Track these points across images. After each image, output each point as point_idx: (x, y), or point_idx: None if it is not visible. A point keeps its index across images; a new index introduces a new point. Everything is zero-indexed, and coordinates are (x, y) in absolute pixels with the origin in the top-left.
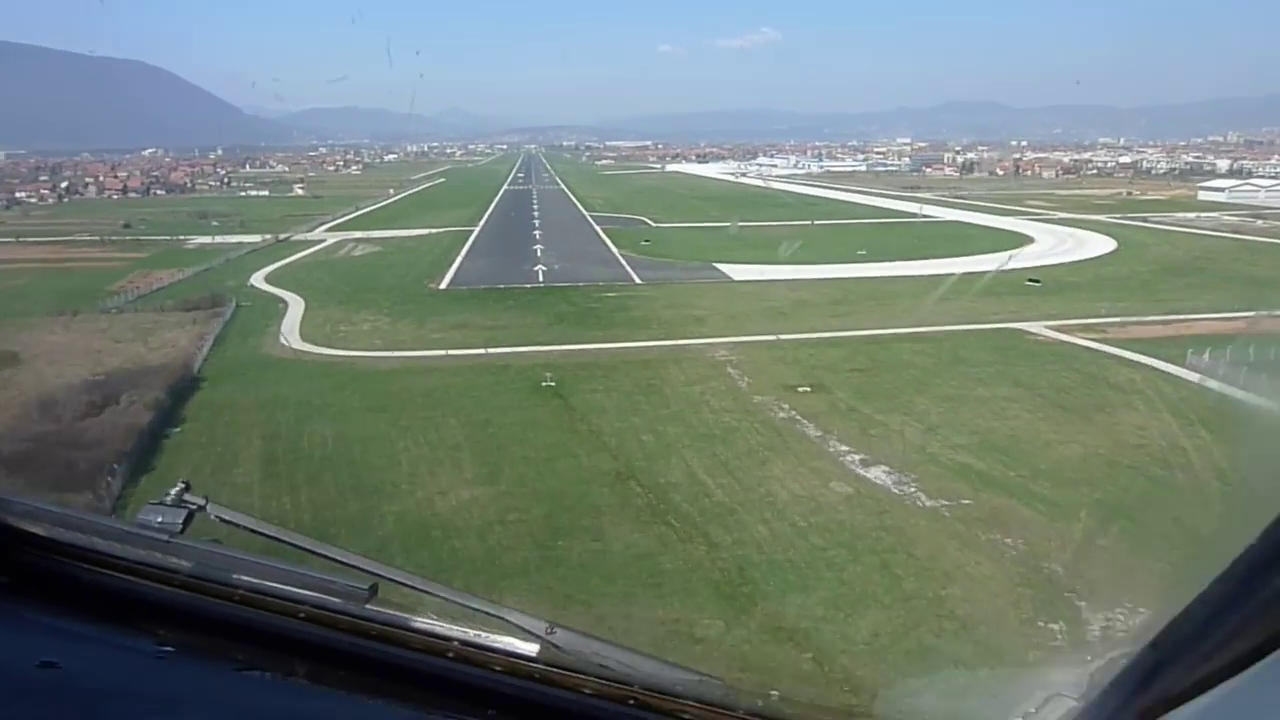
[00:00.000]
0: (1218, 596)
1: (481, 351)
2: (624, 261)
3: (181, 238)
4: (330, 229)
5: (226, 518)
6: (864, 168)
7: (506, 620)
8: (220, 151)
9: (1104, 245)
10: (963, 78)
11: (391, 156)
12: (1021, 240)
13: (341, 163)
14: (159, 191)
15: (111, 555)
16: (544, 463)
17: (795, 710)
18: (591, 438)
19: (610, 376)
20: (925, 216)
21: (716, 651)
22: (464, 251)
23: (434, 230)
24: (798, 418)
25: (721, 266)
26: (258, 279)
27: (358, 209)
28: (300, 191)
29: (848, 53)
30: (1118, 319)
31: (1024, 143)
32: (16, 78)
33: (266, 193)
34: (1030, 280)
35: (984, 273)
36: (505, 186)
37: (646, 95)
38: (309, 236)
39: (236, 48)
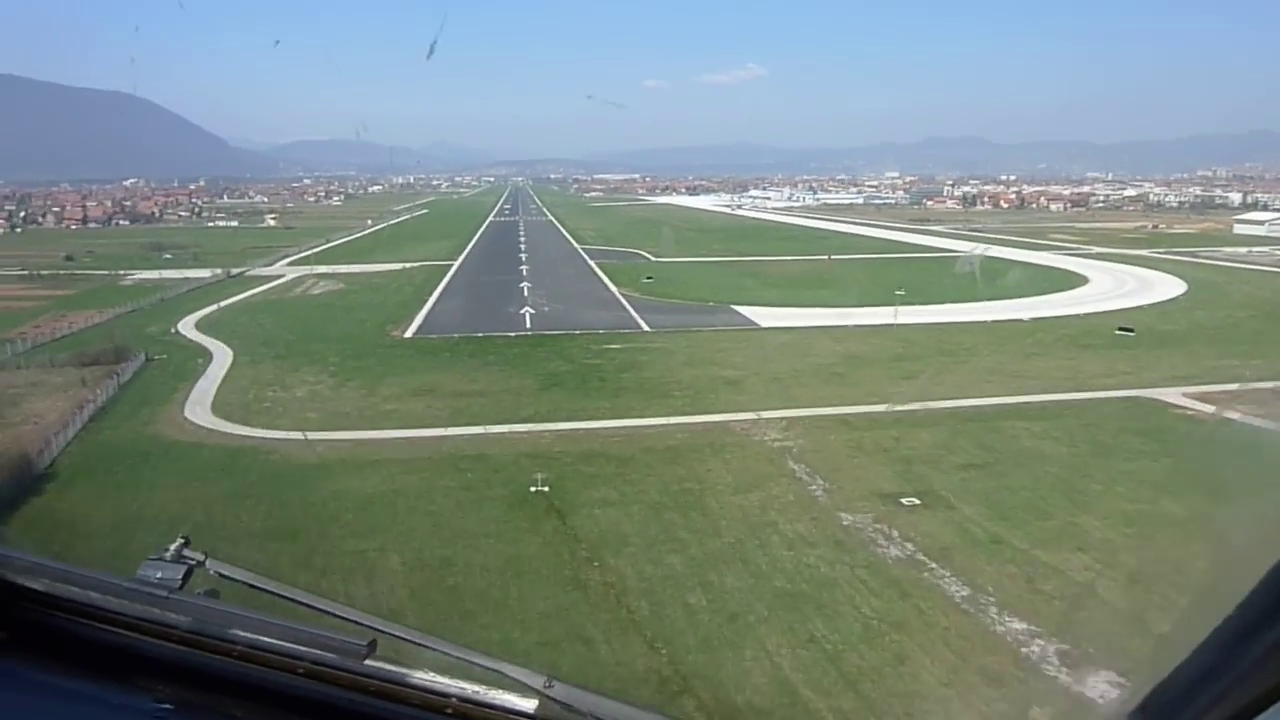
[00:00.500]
0: (1204, 660)
1: (448, 432)
2: (626, 303)
3: (123, 272)
4: (293, 262)
5: (226, 573)
6: (860, 200)
7: (504, 675)
8: (202, 182)
9: (1171, 285)
10: (946, 113)
11: (376, 188)
12: (1074, 280)
13: (323, 194)
14: (122, 222)
15: (110, 611)
16: (534, 656)
17: None
18: (609, 599)
19: (626, 476)
20: (973, 254)
21: None
22: (439, 290)
23: (409, 265)
24: (921, 558)
25: (743, 309)
26: (187, 324)
27: (329, 241)
28: (272, 222)
29: (832, 88)
30: (1270, 383)
31: (1013, 177)
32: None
33: (235, 224)
34: (1122, 329)
35: (1056, 318)
36: (490, 218)
37: (633, 130)
38: (267, 271)
39: (221, 80)
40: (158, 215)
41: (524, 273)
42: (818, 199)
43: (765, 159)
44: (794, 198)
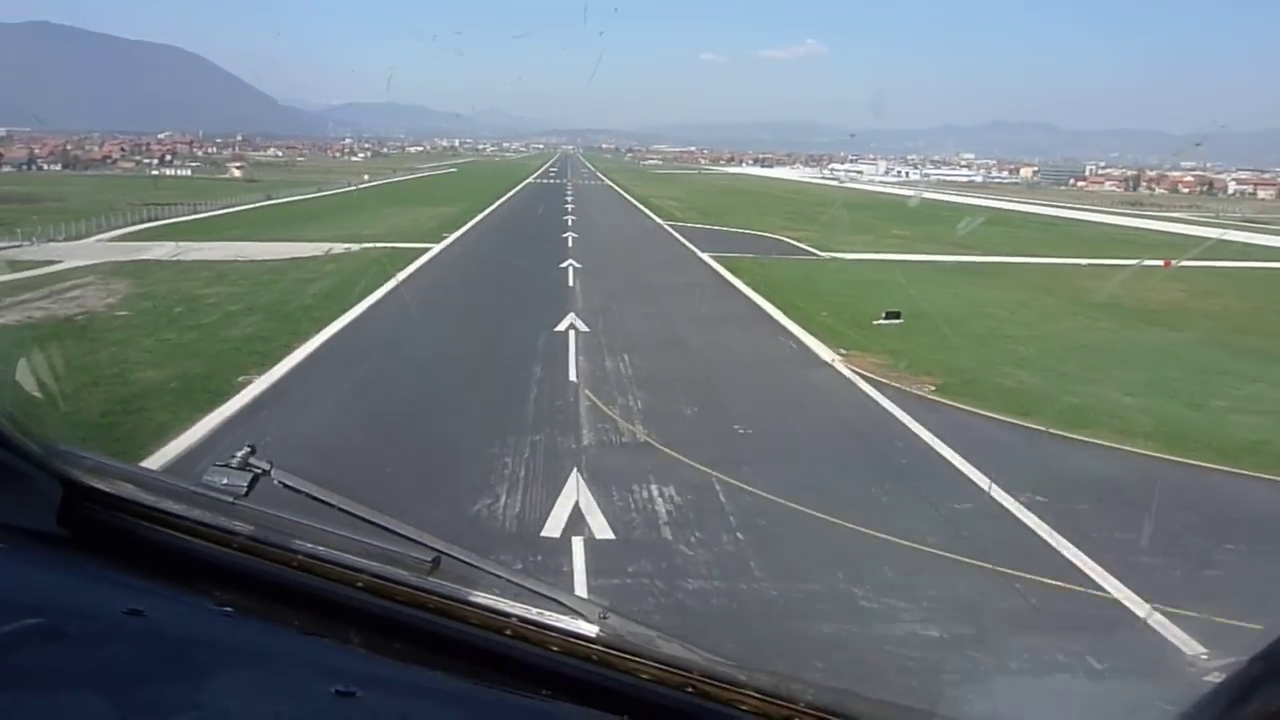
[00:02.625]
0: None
1: None
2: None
3: None
4: (146, 233)
5: (290, 483)
6: (977, 178)
7: (562, 603)
8: (240, 137)
9: None
10: (1011, 97)
11: (417, 149)
12: None
13: (348, 150)
14: (54, 166)
15: (174, 514)
16: None
17: (858, 707)
18: None
19: None
20: None
21: None
22: (333, 331)
23: (351, 247)
24: None
25: None
26: None
27: (269, 198)
28: (236, 173)
29: (893, 68)
30: None
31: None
32: (48, 58)
33: (189, 173)
34: None
35: None
36: (531, 179)
37: (686, 103)
38: (65, 251)
39: (278, 40)
40: (113, 160)
41: (573, 285)
42: (923, 174)
43: (822, 137)
44: (893, 172)
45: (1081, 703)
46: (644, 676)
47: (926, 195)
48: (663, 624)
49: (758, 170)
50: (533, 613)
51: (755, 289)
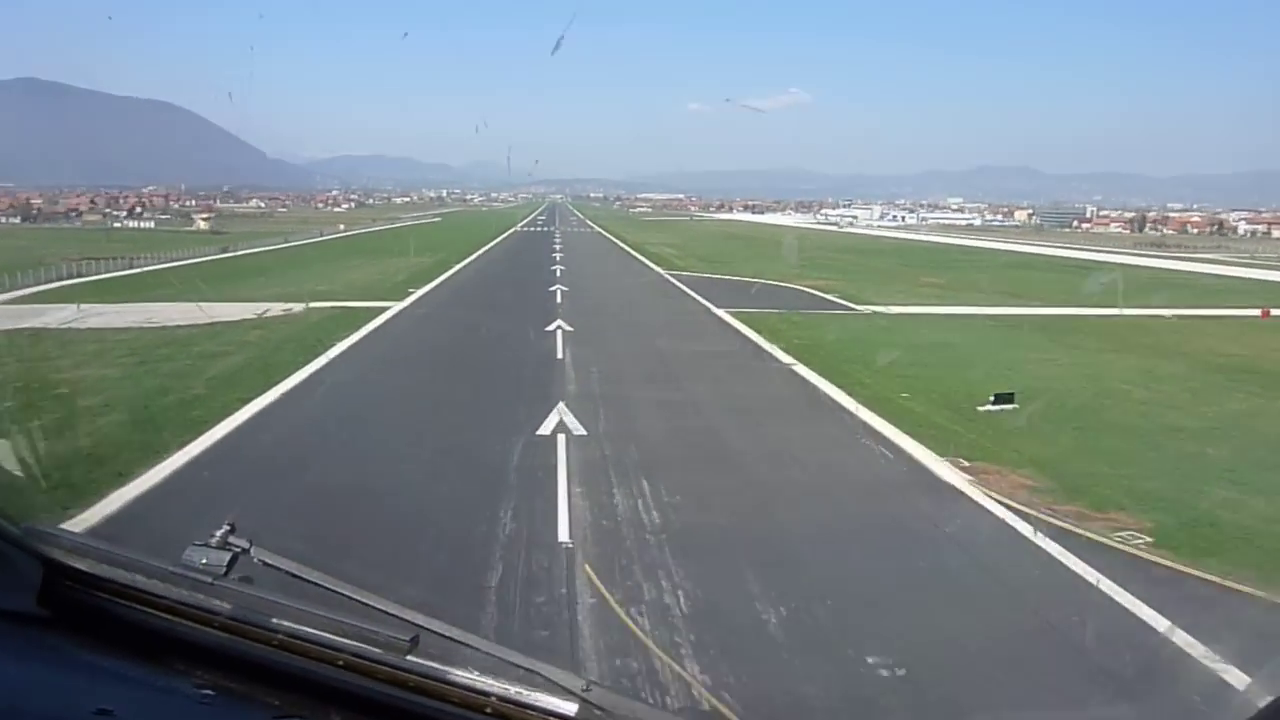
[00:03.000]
0: None
1: None
2: None
3: None
4: (47, 296)
5: (270, 562)
6: (976, 221)
7: (543, 677)
8: (225, 189)
9: None
10: (997, 142)
11: (403, 199)
12: None
13: (332, 201)
14: (12, 220)
15: (154, 594)
16: None
17: None
18: None
19: None
20: None
21: None
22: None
23: (297, 307)
24: None
25: None
26: None
27: (226, 251)
28: (202, 225)
29: (878, 115)
30: None
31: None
32: (35, 115)
33: (152, 225)
34: None
35: None
36: (517, 227)
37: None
38: None
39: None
40: (78, 212)
41: (559, 348)
42: (919, 218)
43: (808, 184)
44: (890, 216)
45: None
46: None
47: (934, 239)
48: (648, 696)
49: (749, 216)
50: (512, 691)
51: (799, 358)
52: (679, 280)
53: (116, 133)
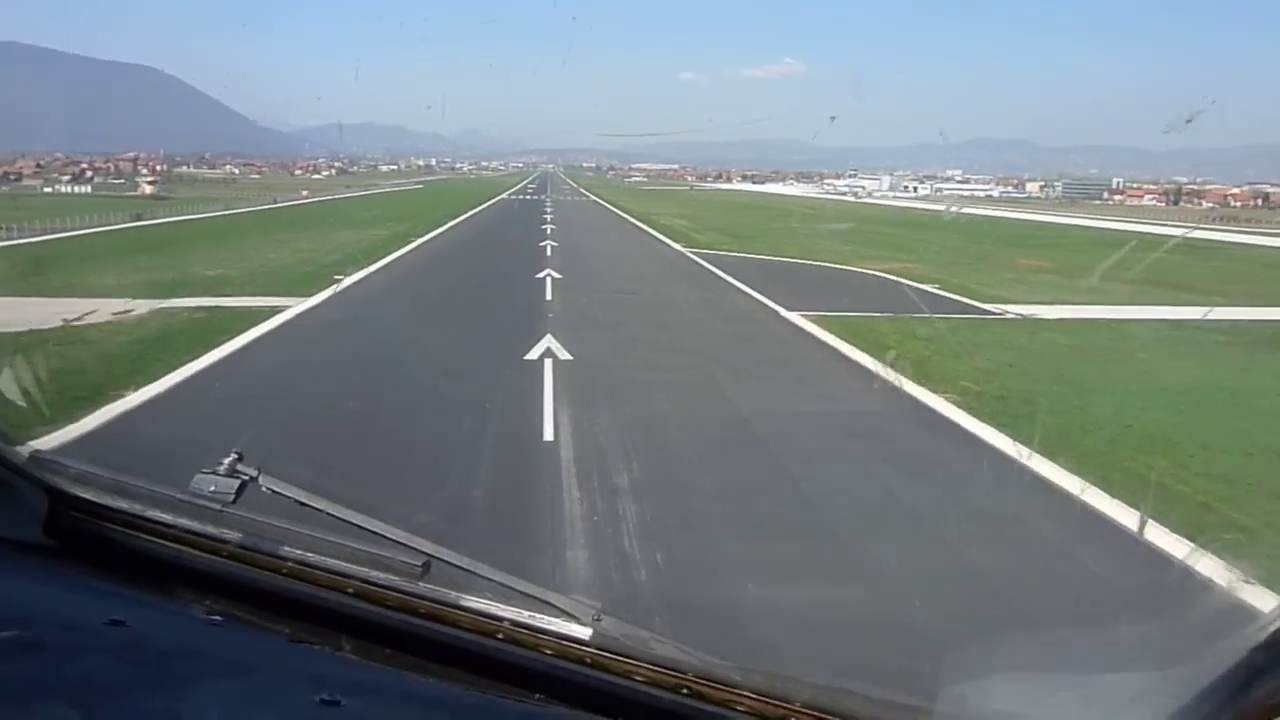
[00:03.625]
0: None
1: None
2: None
3: None
4: None
5: (279, 490)
6: (994, 193)
7: (555, 605)
8: (205, 155)
9: None
10: (992, 115)
11: (390, 167)
12: None
13: (311, 168)
14: None
15: (162, 523)
16: None
17: (853, 705)
18: None
19: None
20: None
21: None
22: None
23: (157, 305)
24: None
25: None
26: None
27: (139, 218)
28: (147, 190)
29: (872, 87)
30: None
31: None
32: (20, 79)
33: (88, 189)
34: None
35: None
36: (504, 195)
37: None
38: None
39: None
40: (16, 177)
41: (546, 382)
42: (935, 189)
43: (802, 155)
44: (901, 187)
45: (1082, 696)
46: (638, 679)
47: (968, 211)
48: (658, 626)
49: (750, 186)
50: (525, 616)
51: (1054, 449)
52: (710, 263)
53: (101, 98)
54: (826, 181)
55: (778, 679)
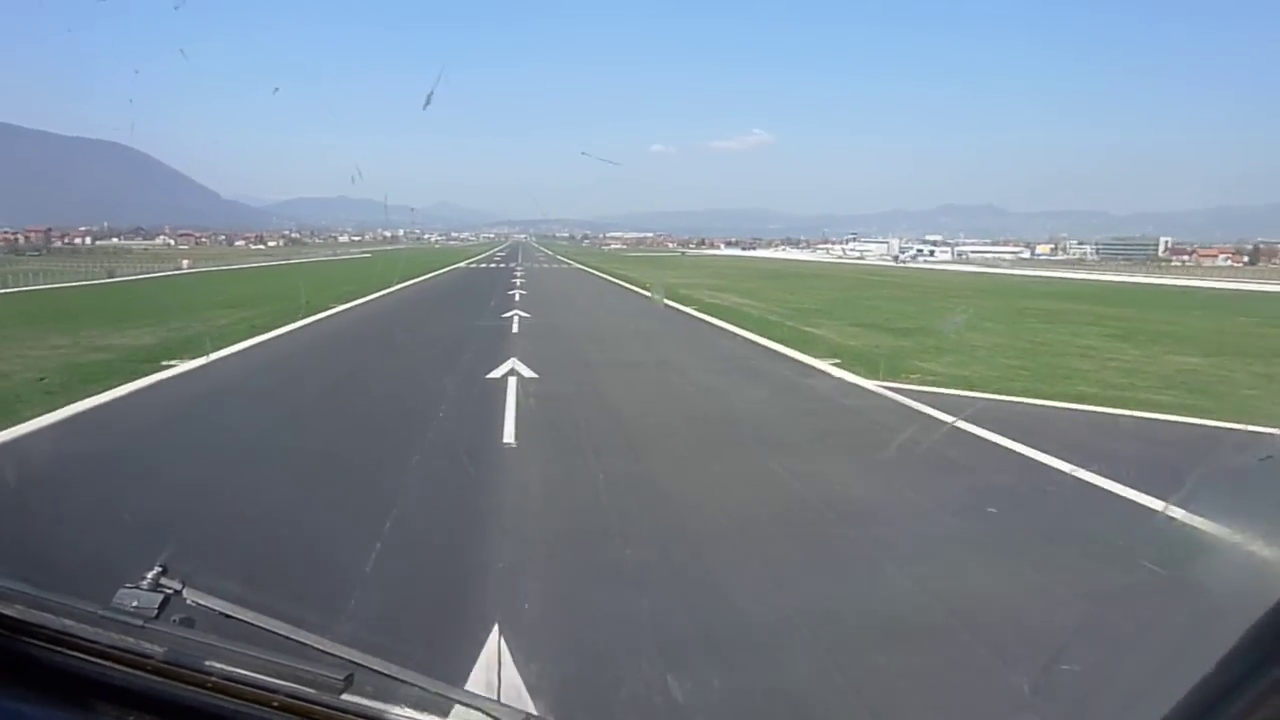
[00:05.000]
0: (1194, 707)
1: None
2: None
3: None
4: None
5: (202, 602)
6: (1025, 255)
7: (485, 713)
8: (168, 229)
9: None
10: (961, 181)
11: (355, 238)
12: None
13: (256, 239)
14: None
15: (83, 639)
16: None
17: None
18: None
19: None
20: None
21: None
22: None
23: None
24: None
25: None
26: None
27: None
28: None
29: (841, 155)
30: None
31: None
32: None
33: None
34: None
35: None
36: (463, 264)
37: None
38: None
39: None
40: None
41: None
42: (958, 254)
43: (774, 224)
44: (913, 251)
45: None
46: None
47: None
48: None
49: (740, 252)
50: None
51: None
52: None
53: (64, 174)
54: (820, 246)
55: None
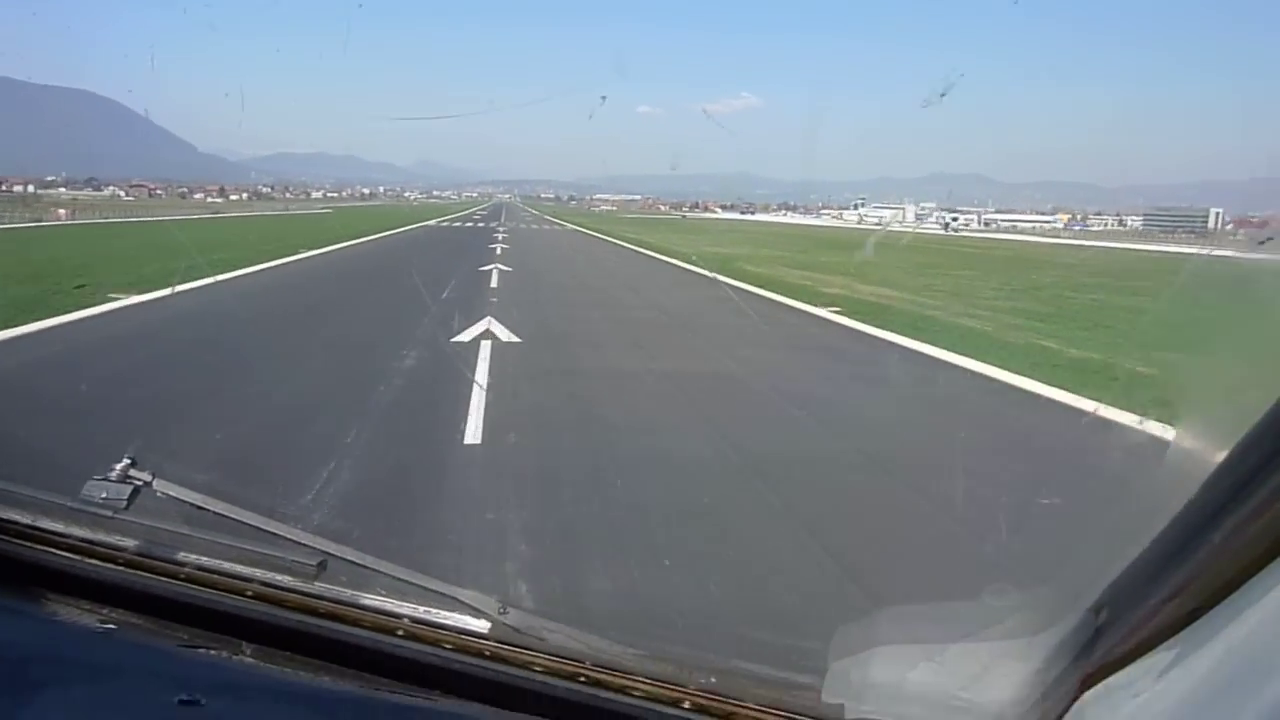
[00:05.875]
0: (1155, 558)
1: None
2: None
3: None
4: None
5: (173, 494)
6: (1058, 224)
7: (458, 600)
8: (133, 181)
9: None
10: (949, 151)
11: (329, 194)
12: None
13: (214, 192)
14: None
15: (54, 532)
16: None
17: (744, 685)
18: None
19: None
20: None
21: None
22: None
23: None
24: None
25: None
26: None
27: None
28: None
29: (831, 121)
30: None
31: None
32: None
33: None
34: None
35: None
36: (434, 221)
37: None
38: None
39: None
40: None
41: None
42: (984, 221)
43: (761, 189)
44: (935, 217)
45: (933, 668)
46: (537, 669)
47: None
48: (563, 614)
49: (739, 216)
50: (423, 612)
51: None
52: None
53: (34, 123)
54: (824, 211)
55: (674, 664)
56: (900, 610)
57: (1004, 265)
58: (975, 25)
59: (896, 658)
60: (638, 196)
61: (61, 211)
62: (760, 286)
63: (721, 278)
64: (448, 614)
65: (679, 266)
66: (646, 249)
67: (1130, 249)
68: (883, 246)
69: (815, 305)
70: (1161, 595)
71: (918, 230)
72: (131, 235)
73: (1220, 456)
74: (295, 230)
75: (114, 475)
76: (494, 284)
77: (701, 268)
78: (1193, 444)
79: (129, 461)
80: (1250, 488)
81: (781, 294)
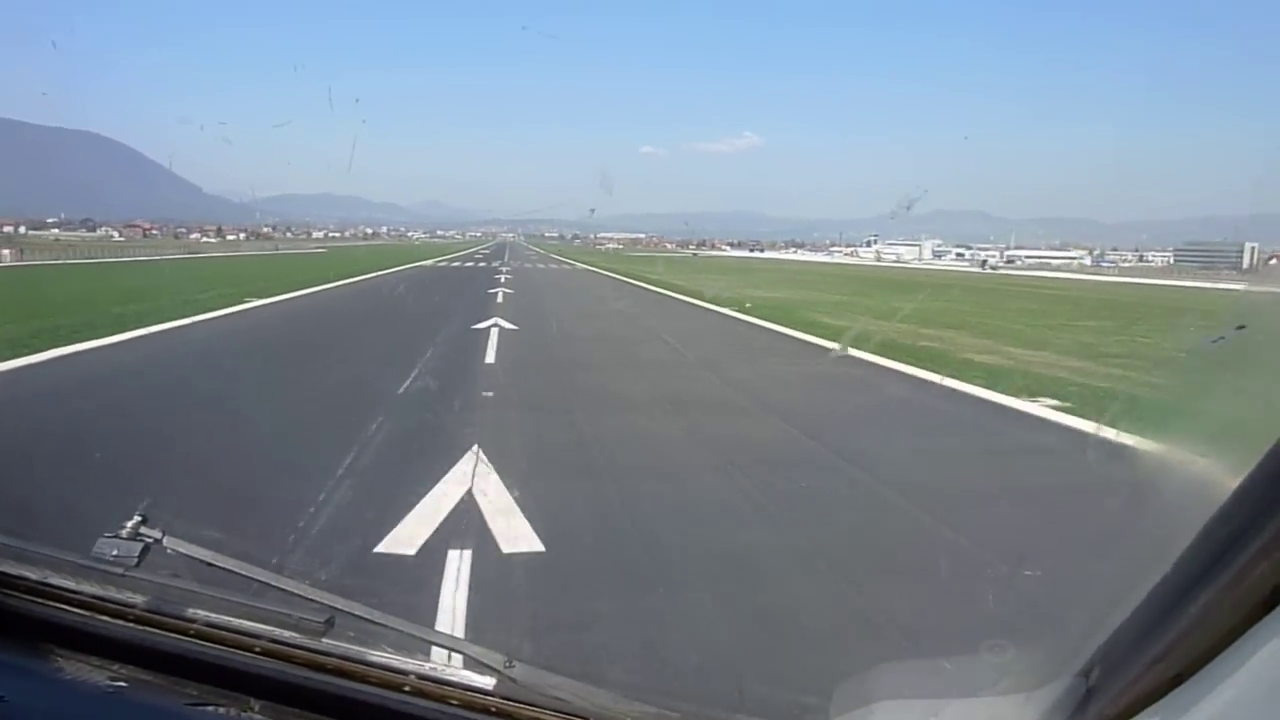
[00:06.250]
0: (1141, 622)
1: None
2: None
3: None
4: None
5: (183, 550)
6: (1086, 260)
7: (464, 654)
8: (131, 222)
9: None
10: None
11: (331, 234)
12: None
13: (211, 232)
14: None
15: (65, 589)
16: None
17: None
18: None
19: None
20: None
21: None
22: None
23: None
24: None
25: None
26: None
27: None
28: None
29: (831, 158)
30: None
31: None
32: None
33: None
34: None
35: None
36: (430, 261)
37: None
38: None
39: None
40: None
41: None
42: (1007, 259)
43: (764, 227)
44: (955, 254)
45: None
46: None
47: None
48: (572, 668)
49: (748, 254)
50: (429, 668)
51: None
52: None
53: (40, 165)
54: (834, 249)
55: (678, 716)
56: (899, 666)
57: (1110, 310)
58: (976, 65)
59: (896, 713)
60: (643, 235)
61: (6, 253)
62: (898, 360)
63: (827, 344)
64: (454, 670)
65: (755, 324)
66: (682, 294)
67: (1186, 286)
68: (943, 288)
69: (1021, 398)
70: (1149, 658)
71: (948, 268)
72: (112, 275)
73: (1206, 519)
74: (259, 274)
75: (125, 533)
76: (489, 359)
77: (789, 327)
78: (1173, 504)
79: (140, 519)
80: (1233, 552)
81: (935, 371)
